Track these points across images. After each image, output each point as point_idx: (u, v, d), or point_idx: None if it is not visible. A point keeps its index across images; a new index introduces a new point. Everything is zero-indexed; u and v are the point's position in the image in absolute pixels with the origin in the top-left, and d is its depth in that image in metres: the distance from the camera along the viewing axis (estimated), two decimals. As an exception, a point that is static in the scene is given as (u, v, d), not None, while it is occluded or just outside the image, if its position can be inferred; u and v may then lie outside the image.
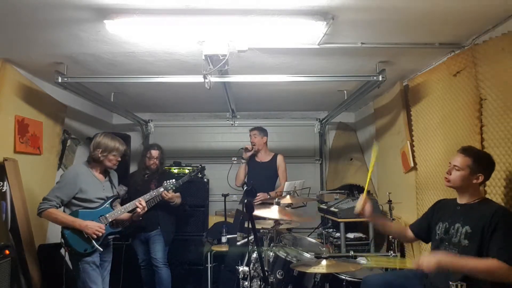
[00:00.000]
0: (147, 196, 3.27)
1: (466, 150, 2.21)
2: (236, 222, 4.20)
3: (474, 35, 2.69)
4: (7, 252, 2.80)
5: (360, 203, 2.42)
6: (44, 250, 3.40)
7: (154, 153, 3.84)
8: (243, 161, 4.20)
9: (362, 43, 2.81)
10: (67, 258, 3.53)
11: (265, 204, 3.40)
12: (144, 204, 3.09)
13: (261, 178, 4.05)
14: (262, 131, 4.21)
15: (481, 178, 2.13)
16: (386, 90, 4.13)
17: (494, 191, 2.46)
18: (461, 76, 2.84)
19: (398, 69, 3.49)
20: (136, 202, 3.07)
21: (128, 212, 3.08)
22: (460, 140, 2.81)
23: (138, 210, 3.03)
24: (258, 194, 3.86)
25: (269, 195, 3.95)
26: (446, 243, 2.19)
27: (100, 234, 2.82)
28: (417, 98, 3.54)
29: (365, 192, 2.48)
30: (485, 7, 2.28)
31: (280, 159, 4.19)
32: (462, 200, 2.23)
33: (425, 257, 2.04)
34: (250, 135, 4.22)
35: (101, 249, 2.85)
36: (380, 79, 3.27)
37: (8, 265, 2.79)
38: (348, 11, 2.30)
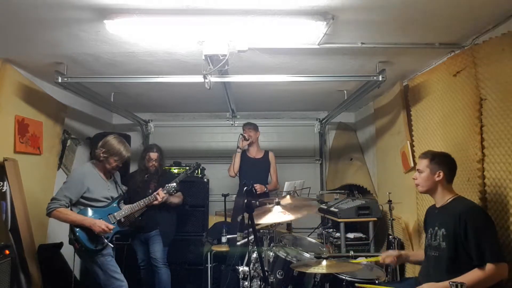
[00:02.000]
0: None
1: (424, 153, 2.36)
2: (234, 220, 4.20)
3: (474, 35, 2.69)
4: (7, 252, 2.80)
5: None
6: (44, 250, 3.39)
7: (153, 155, 3.83)
8: (239, 150, 4.32)
9: (362, 43, 2.82)
10: (67, 258, 3.54)
11: (265, 206, 3.41)
12: (162, 194, 3.30)
13: (255, 173, 4.25)
14: (256, 126, 4.42)
15: (441, 175, 2.23)
16: (386, 90, 4.12)
17: (494, 191, 2.46)
18: (461, 76, 2.84)
19: (398, 69, 3.49)
20: (155, 193, 3.26)
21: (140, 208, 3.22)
22: (460, 140, 2.80)
23: (157, 201, 3.25)
24: (255, 185, 3.99)
25: (266, 188, 4.20)
26: (430, 248, 2.25)
27: (108, 232, 2.88)
28: (417, 98, 3.54)
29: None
30: (485, 7, 2.28)
31: (271, 155, 4.45)
32: (438, 203, 2.31)
33: None
34: (244, 130, 4.38)
35: (112, 245, 2.94)
36: (380, 79, 3.26)
37: (8, 265, 2.79)
38: (348, 11, 2.30)
